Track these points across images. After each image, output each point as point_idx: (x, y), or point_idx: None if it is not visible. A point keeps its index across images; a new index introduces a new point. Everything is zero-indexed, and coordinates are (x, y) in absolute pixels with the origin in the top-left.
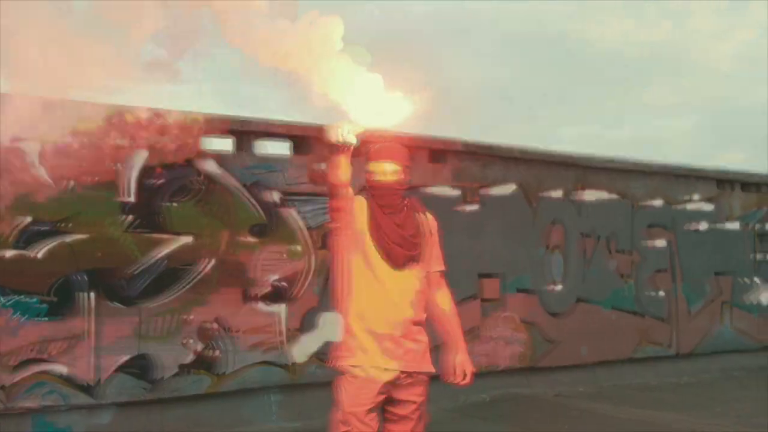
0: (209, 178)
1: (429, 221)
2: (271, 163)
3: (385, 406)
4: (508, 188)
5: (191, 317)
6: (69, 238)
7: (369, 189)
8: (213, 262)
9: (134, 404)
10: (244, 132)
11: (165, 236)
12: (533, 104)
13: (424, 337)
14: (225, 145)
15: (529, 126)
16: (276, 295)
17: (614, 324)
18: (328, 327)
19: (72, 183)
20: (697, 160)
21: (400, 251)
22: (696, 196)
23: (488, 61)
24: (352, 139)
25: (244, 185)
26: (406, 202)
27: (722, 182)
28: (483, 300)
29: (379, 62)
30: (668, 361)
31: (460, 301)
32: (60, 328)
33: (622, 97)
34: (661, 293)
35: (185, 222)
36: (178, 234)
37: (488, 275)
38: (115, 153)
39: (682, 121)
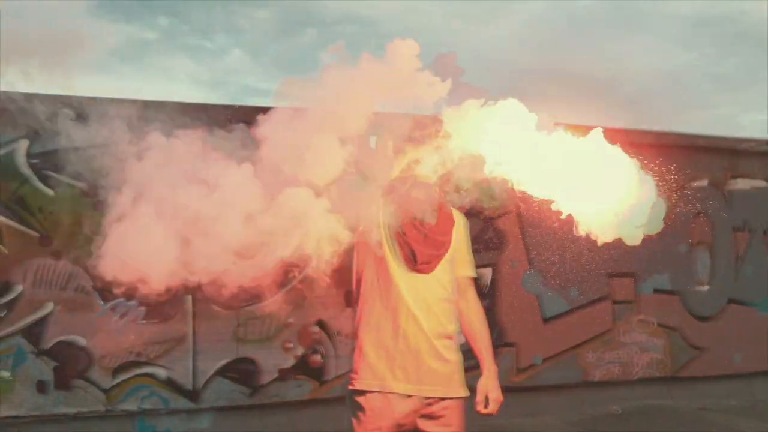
0: None
1: (456, 218)
2: None
3: None
4: None
5: (291, 320)
6: None
7: None
8: (313, 263)
9: (233, 409)
10: None
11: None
12: (713, 90)
13: (453, 355)
14: None
15: (709, 113)
16: None
17: None
18: None
19: None
20: None
21: (419, 249)
22: None
23: (662, 48)
24: None
25: None
26: None
27: None
28: (614, 302)
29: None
30: None
31: (588, 303)
32: (158, 331)
33: None
34: None
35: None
36: None
37: (619, 274)
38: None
39: None
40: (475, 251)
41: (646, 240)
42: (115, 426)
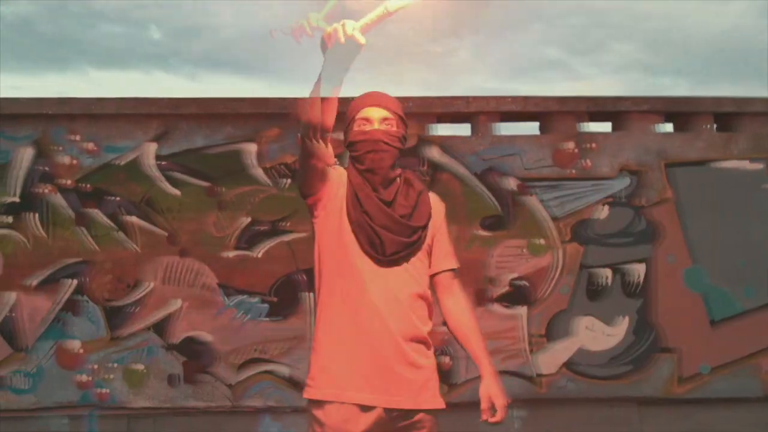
0: (434, 167)
1: (434, 204)
2: (505, 145)
3: None
4: None
5: None
6: (287, 238)
7: (351, 151)
8: None
9: None
10: (473, 113)
11: None
12: None
13: (426, 360)
14: (463, 129)
15: None
16: (516, 296)
17: None
18: (582, 333)
19: (288, 181)
20: None
21: (388, 237)
22: None
23: None
24: (360, 38)
25: (475, 173)
26: (399, 172)
27: None
28: None
29: None
30: None
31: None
32: (280, 329)
33: None
34: None
35: None
36: None
37: None
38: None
39: None
40: (626, 245)
41: None
42: (242, 422)
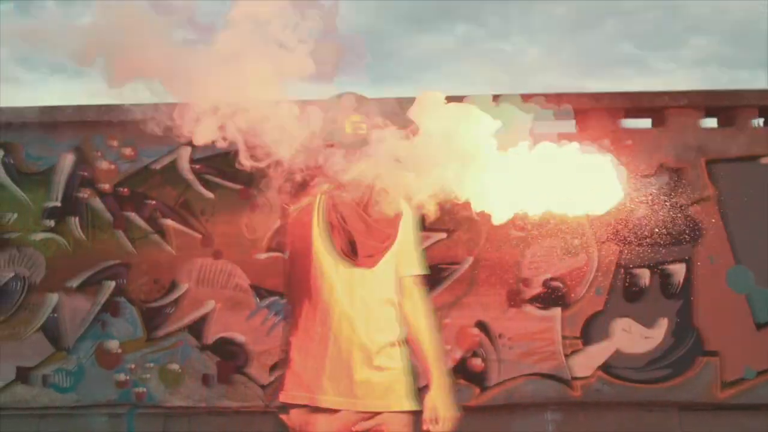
0: None
1: (405, 210)
2: None
3: None
4: None
5: (448, 321)
6: None
7: None
8: (471, 259)
9: None
10: None
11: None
12: None
13: (392, 362)
14: None
15: None
16: (549, 297)
17: None
18: (619, 335)
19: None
20: None
21: (362, 240)
22: None
23: None
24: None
25: None
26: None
27: None
28: None
29: None
30: None
31: None
32: None
33: None
34: None
35: (438, 216)
36: (431, 230)
37: None
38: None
39: None
40: (665, 244)
41: None
42: (275, 422)
